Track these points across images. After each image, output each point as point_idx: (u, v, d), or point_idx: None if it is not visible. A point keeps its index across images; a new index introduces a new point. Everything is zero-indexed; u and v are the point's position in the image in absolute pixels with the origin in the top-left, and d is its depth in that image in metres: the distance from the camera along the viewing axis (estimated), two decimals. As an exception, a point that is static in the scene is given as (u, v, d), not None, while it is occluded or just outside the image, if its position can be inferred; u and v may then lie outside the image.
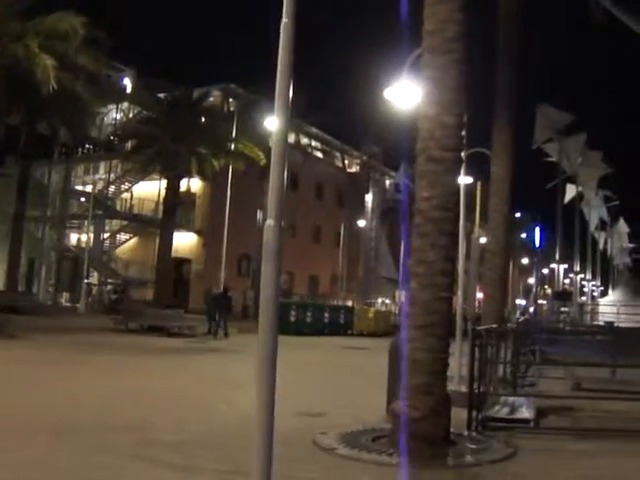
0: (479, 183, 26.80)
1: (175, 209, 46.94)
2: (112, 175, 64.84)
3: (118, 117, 66.32)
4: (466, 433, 11.81)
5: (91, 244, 59.52)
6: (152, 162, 47.63)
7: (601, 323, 50.83)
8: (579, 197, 79.51)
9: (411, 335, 10.77)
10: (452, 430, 11.04)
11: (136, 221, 63.31)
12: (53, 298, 61.06)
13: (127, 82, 65.69)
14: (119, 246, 65.47)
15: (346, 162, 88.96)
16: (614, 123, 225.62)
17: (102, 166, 67.97)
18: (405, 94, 17.38)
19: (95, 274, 62.10)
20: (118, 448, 9.74)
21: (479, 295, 24.87)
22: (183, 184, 50.62)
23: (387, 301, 78.90)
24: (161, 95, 52.13)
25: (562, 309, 68.11)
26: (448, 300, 11.01)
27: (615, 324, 43.69)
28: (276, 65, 7.19)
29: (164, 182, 48.09)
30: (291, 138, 71.00)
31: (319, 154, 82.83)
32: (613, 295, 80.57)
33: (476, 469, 9.86)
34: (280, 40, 7.26)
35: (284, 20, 7.28)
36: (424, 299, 10.77)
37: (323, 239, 79.56)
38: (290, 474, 8.39)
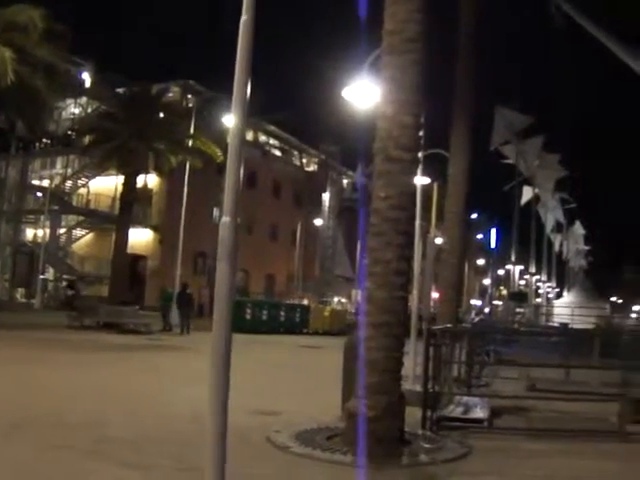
0: (436, 184, 26.86)
1: (132, 205, 46.55)
2: (69, 170, 64.47)
3: (76, 112, 65.97)
4: (420, 432, 11.83)
5: (47, 239, 59.16)
6: (109, 157, 47.20)
7: (556, 324, 51.19)
8: (536, 199, 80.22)
9: (366, 334, 10.78)
10: (406, 429, 11.07)
11: (92, 217, 63.01)
12: (8, 294, 60.54)
13: (86, 77, 65.33)
14: (75, 242, 65.13)
15: (304, 161, 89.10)
16: (572, 126, 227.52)
17: (59, 161, 67.62)
18: (364, 93, 17.42)
19: (51, 270, 61.71)
20: (74, 445, 9.65)
21: (435, 295, 24.93)
22: (140, 180, 50.33)
23: (343, 300, 79.15)
24: (120, 90, 51.86)
25: (517, 310, 68.53)
26: (403, 299, 11.03)
27: (570, 325, 44.04)
28: (235, 62, 7.18)
29: (121, 178, 47.71)
30: (249, 136, 71.07)
31: (277, 152, 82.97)
32: (568, 297, 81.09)
33: (430, 468, 9.88)
34: (239, 37, 7.24)
35: (243, 17, 7.26)
36: (379, 298, 10.78)
37: (280, 237, 79.55)
38: (244, 472, 8.34)
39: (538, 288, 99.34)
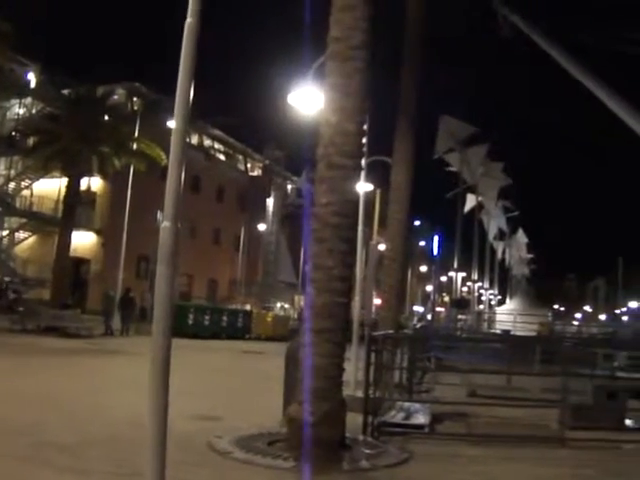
0: (379, 190, 26.95)
1: (75, 208, 46.13)
2: (12, 172, 63.61)
3: (21, 112, 65.16)
4: (361, 438, 11.88)
5: (-11, 242, 58.49)
6: (53, 159, 46.75)
7: (498, 331, 51.58)
8: (479, 207, 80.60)
9: (308, 340, 10.79)
10: (348, 435, 11.11)
11: (36, 219, 62.23)
12: (-53, 297, 59.67)
13: (31, 77, 64.55)
14: (18, 244, 64.34)
15: (249, 165, 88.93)
16: (516, 135, 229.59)
17: (2, 162, 66.60)
18: (309, 99, 17.42)
19: (-8, 272, 60.97)
20: (10, 451, 9.50)
21: (377, 301, 25.02)
22: (84, 183, 49.94)
23: (286, 305, 79.07)
24: (65, 92, 51.41)
25: (460, 317, 68.89)
26: (344, 305, 11.07)
27: (512, 332, 44.41)
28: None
29: (65, 180, 47.28)
30: (194, 139, 70.81)
31: (222, 157, 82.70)
32: (510, 304, 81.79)
33: (371, 474, 9.91)
34: (183, 40, 7.24)
35: (188, 19, 7.27)
36: (321, 304, 10.81)
37: (223, 242, 79.16)
38: (184, 477, 8.33)
39: (481, 295, 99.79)
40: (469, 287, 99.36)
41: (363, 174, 17.86)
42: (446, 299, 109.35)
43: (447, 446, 12.22)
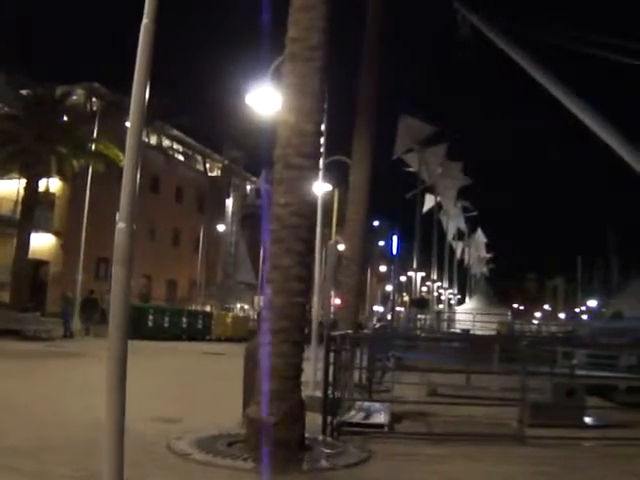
0: (337, 190, 26.99)
1: (33, 209, 45.83)
2: (-30, 173, 63.15)
3: (-21, 113, 64.64)
4: (321, 438, 11.89)
5: (-54, 244, 57.88)
6: (11, 160, 46.39)
7: (457, 331, 51.83)
8: (438, 207, 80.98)
9: (266, 340, 10.78)
10: (307, 435, 11.10)
11: (-7, 221, 61.77)
12: None
13: (-10, 77, 64.07)
14: (-25, 246, 63.84)
15: (207, 166, 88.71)
16: (475, 135, 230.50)
17: (-40, 163, 66.12)
18: (267, 100, 17.42)
19: (-51, 275, 60.40)
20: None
21: (336, 301, 25.06)
22: (42, 184, 49.53)
23: (246, 306, 79.01)
24: (23, 92, 51.02)
25: (419, 316, 69.16)
26: (302, 306, 11.07)
27: (471, 332, 44.65)
28: (136, 66, 7.15)
29: (23, 181, 46.96)
30: (153, 140, 70.43)
31: (181, 157, 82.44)
32: (470, 303, 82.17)
33: (330, 473, 9.91)
34: (139, 40, 7.21)
35: (144, 20, 7.24)
36: (278, 304, 10.82)
37: (182, 243, 78.82)
38: (142, 479, 8.30)
39: (440, 295, 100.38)
40: (428, 287, 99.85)
41: (321, 174, 17.86)
42: (406, 299, 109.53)
43: (407, 445, 12.27)
